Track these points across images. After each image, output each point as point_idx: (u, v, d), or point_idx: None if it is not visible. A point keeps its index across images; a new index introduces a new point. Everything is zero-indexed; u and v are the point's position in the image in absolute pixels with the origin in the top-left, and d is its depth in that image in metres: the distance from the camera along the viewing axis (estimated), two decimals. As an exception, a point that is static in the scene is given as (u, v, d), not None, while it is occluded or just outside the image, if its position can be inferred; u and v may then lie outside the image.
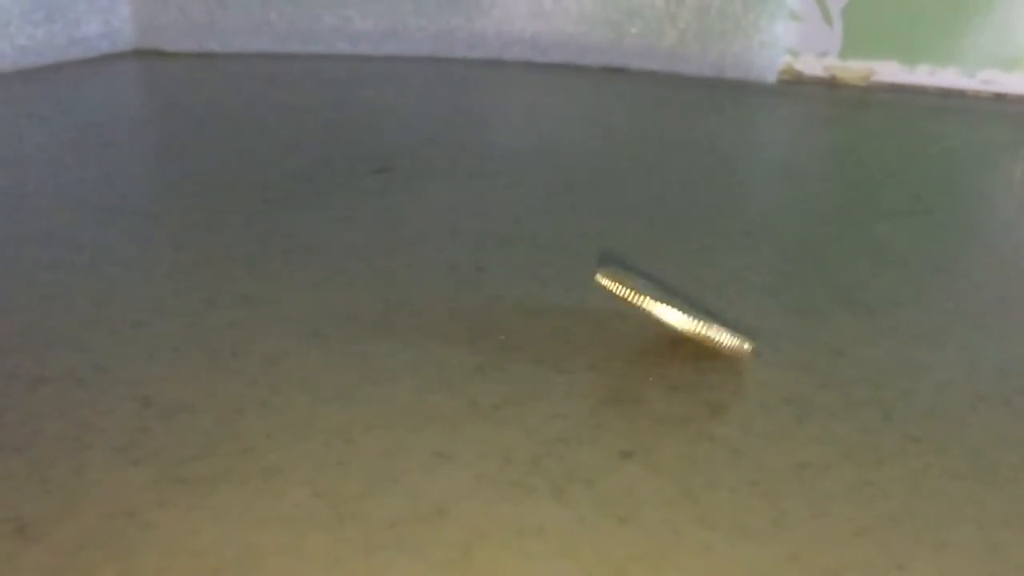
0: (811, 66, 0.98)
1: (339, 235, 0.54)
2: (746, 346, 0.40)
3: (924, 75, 0.95)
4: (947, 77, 0.95)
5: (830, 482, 0.32)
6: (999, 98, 0.93)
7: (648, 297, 0.40)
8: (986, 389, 0.39)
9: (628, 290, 0.40)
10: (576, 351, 0.41)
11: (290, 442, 0.34)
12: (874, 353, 0.41)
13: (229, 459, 0.33)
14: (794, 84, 0.98)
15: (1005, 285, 0.50)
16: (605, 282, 0.41)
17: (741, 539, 0.30)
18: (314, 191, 0.61)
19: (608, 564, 0.28)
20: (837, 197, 0.65)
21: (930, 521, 0.31)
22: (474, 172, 0.67)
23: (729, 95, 0.93)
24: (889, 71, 0.96)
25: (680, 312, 0.40)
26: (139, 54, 1.07)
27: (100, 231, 0.54)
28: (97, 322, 0.43)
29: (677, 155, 0.73)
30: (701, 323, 0.39)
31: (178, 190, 0.64)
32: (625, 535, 0.30)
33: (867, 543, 0.29)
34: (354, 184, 0.63)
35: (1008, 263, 0.53)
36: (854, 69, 0.97)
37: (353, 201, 0.59)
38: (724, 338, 0.39)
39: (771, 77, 0.98)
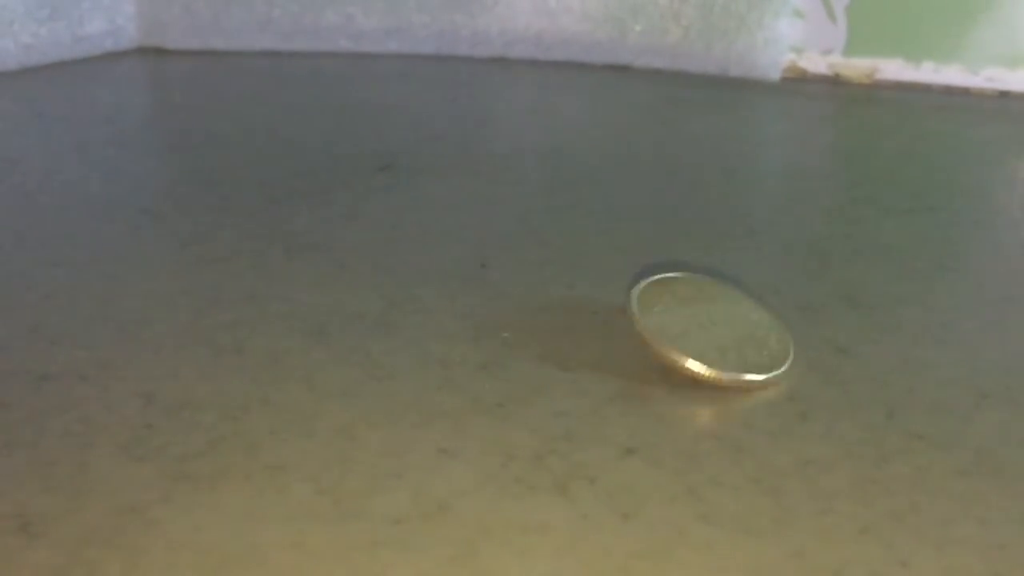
0: (815, 63, 0.98)
1: (343, 232, 0.54)
2: (783, 368, 0.39)
3: (928, 72, 0.95)
4: (951, 75, 0.94)
5: (833, 479, 0.32)
6: (1003, 96, 0.93)
7: (677, 349, 0.38)
8: (990, 387, 0.39)
9: (658, 338, 0.38)
10: (580, 348, 0.41)
11: (294, 439, 0.34)
12: (877, 351, 0.41)
13: (233, 456, 0.33)
14: (798, 81, 0.98)
15: (1009, 283, 0.50)
16: (636, 315, 0.39)
17: (744, 536, 0.30)
18: (318, 189, 0.61)
19: (611, 561, 0.28)
20: (841, 194, 0.65)
21: (934, 518, 0.31)
22: (478, 169, 0.67)
23: (733, 92, 0.93)
24: (893, 68, 0.96)
25: (706, 365, 0.37)
26: (143, 52, 1.07)
27: (104, 228, 0.54)
28: (101, 319, 0.43)
29: (681, 152, 0.73)
30: (730, 373, 0.38)
31: (182, 187, 0.64)
32: (628, 532, 0.30)
33: (870, 540, 0.29)
34: (358, 182, 0.63)
35: (1013, 261, 0.53)
36: (858, 66, 0.97)
37: (357, 199, 0.59)
38: (757, 379, 0.38)
39: (775, 74, 0.98)
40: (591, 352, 0.41)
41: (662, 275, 0.42)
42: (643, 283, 0.41)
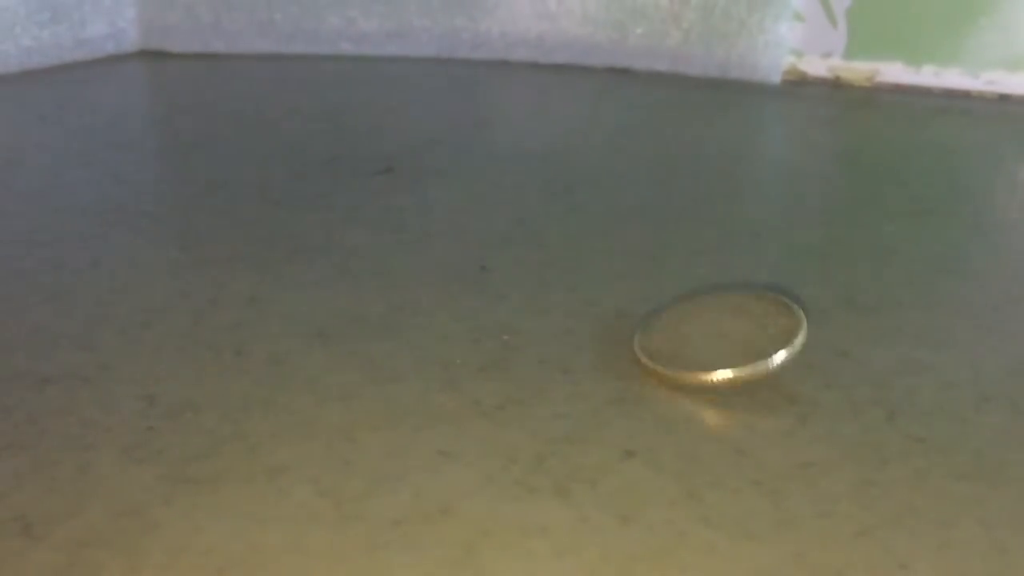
0: (815, 67, 0.98)
1: (343, 235, 0.54)
2: (799, 340, 0.38)
3: (928, 76, 0.95)
4: (951, 78, 0.94)
5: (833, 482, 0.32)
6: (1003, 99, 0.93)
7: (696, 372, 0.38)
8: (990, 389, 0.39)
9: (671, 366, 0.38)
10: (579, 351, 0.41)
11: (295, 441, 0.34)
12: (878, 353, 0.41)
13: (234, 458, 0.33)
14: (798, 85, 0.98)
15: (1010, 285, 0.50)
16: (645, 360, 0.39)
17: (745, 539, 0.30)
18: (318, 191, 0.61)
19: (611, 563, 0.28)
20: (841, 198, 0.65)
21: (934, 521, 0.31)
22: (478, 173, 0.67)
23: (733, 96, 0.93)
24: (893, 72, 0.96)
25: (732, 369, 0.37)
26: (144, 55, 1.07)
27: (105, 231, 0.54)
28: (102, 321, 0.43)
29: (682, 156, 0.73)
30: (755, 367, 0.37)
31: (183, 190, 0.64)
32: (629, 535, 0.30)
33: (870, 543, 0.30)
34: (358, 185, 0.63)
35: (1012, 263, 0.53)
36: (858, 70, 0.97)
37: (357, 202, 0.60)
38: (780, 358, 0.37)
39: (775, 78, 0.98)
40: (591, 354, 0.41)
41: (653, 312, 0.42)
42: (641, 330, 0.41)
